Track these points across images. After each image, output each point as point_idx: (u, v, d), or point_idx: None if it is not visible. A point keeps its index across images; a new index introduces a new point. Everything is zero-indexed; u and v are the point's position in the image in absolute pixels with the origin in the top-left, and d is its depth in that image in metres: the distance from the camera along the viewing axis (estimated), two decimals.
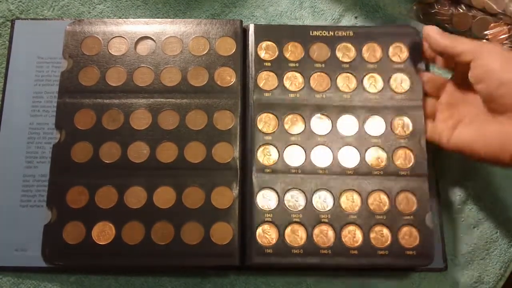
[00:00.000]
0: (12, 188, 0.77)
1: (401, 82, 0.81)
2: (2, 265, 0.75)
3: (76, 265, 0.75)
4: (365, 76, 0.81)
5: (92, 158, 0.76)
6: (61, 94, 0.78)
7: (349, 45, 0.82)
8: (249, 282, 0.78)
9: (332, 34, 0.83)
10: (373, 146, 0.78)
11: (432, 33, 0.77)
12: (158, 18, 0.87)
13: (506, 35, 0.85)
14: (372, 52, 0.82)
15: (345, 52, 0.82)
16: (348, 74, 0.81)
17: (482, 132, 0.70)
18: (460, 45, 0.73)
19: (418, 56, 0.82)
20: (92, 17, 0.86)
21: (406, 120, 0.80)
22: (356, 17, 0.90)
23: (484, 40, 0.84)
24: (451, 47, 0.74)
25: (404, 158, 0.78)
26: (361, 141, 0.78)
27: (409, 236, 0.75)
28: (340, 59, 0.82)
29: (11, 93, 0.80)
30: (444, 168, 0.84)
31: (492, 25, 0.86)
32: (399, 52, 0.82)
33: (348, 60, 0.82)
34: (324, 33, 0.83)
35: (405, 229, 0.75)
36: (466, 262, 0.81)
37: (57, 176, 0.75)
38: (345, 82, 0.81)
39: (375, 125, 0.79)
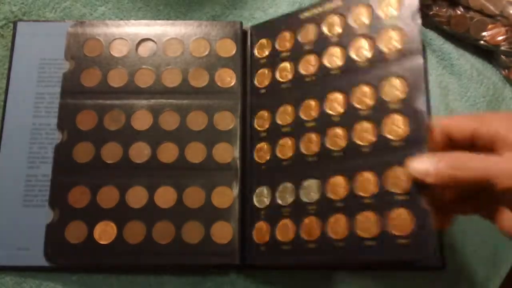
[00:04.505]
0: (15, 188, 0.77)
1: (391, 39, 0.70)
2: (4, 264, 0.75)
3: (78, 264, 0.75)
4: (353, 45, 0.73)
5: (93, 158, 0.76)
6: (63, 95, 0.79)
7: (336, 17, 0.76)
8: (250, 281, 0.78)
9: (321, 10, 0.77)
10: (361, 120, 0.70)
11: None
12: (159, 19, 0.88)
13: (504, 37, 0.85)
14: (359, 16, 0.74)
15: (332, 25, 0.76)
16: (337, 49, 0.75)
17: None
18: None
19: (410, 9, 0.70)
20: (93, 18, 0.87)
21: (401, 81, 0.68)
22: None
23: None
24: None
25: (397, 127, 0.66)
26: (350, 119, 0.71)
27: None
28: (327, 33, 0.76)
29: (14, 94, 0.80)
30: None
31: (489, 26, 0.86)
32: (389, 6, 0.72)
33: (336, 33, 0.75)
34: (313, 11, 0.78)
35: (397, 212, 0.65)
36: (464, 261, 0.81)
37: (59, 176, 0.76)
38: (333, 57, 0.75)
39: (365, 96, 0.70)
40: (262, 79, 0.81)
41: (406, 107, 0.66)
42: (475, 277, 0.81)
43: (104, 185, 0.75)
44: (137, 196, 0.75)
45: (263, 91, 0.80)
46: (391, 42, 0.70)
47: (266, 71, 0.81)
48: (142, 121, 0.78)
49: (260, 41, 0.83)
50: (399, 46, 0.69)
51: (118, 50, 0.81)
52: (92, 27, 0.82)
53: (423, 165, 0.58)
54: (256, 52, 0.82)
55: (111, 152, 0.77)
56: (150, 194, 0.75)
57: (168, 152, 0.77)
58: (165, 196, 0.75)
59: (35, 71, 0.81)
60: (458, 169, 0.55)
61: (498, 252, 0.82)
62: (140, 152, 0.77)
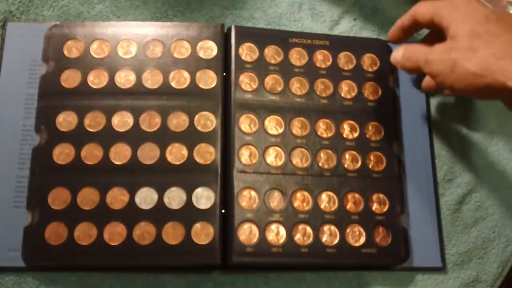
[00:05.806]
0: (5, 189, 0.77)
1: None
2: (4, 264, 0.75)
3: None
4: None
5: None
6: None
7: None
8: (250, 281, 0.78)
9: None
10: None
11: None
12: (156, 18, 0.88)
13: None
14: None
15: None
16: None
17: None
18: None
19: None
20: (91, 16, 0.87)
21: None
22: (355, 19, 0.91)
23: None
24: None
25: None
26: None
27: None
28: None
29: (4, 95, 0.80)
30: (442, 167, 0.85)
31: None
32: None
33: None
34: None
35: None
36: (464, 261, 0.82)
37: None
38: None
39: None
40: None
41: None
42: (475, 278, 0.82)
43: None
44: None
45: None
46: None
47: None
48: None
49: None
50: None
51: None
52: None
53: (394, 55, 0.79)
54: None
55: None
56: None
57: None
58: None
59: (26, 72, 0.81)
60: (407, 59, 0.75)
61: (499, 252, 0.83)
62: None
